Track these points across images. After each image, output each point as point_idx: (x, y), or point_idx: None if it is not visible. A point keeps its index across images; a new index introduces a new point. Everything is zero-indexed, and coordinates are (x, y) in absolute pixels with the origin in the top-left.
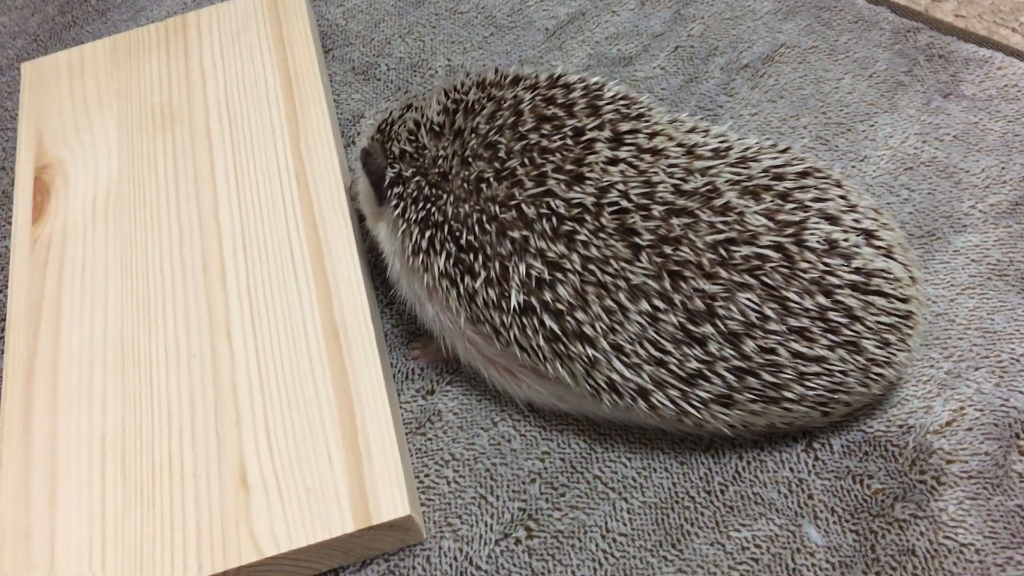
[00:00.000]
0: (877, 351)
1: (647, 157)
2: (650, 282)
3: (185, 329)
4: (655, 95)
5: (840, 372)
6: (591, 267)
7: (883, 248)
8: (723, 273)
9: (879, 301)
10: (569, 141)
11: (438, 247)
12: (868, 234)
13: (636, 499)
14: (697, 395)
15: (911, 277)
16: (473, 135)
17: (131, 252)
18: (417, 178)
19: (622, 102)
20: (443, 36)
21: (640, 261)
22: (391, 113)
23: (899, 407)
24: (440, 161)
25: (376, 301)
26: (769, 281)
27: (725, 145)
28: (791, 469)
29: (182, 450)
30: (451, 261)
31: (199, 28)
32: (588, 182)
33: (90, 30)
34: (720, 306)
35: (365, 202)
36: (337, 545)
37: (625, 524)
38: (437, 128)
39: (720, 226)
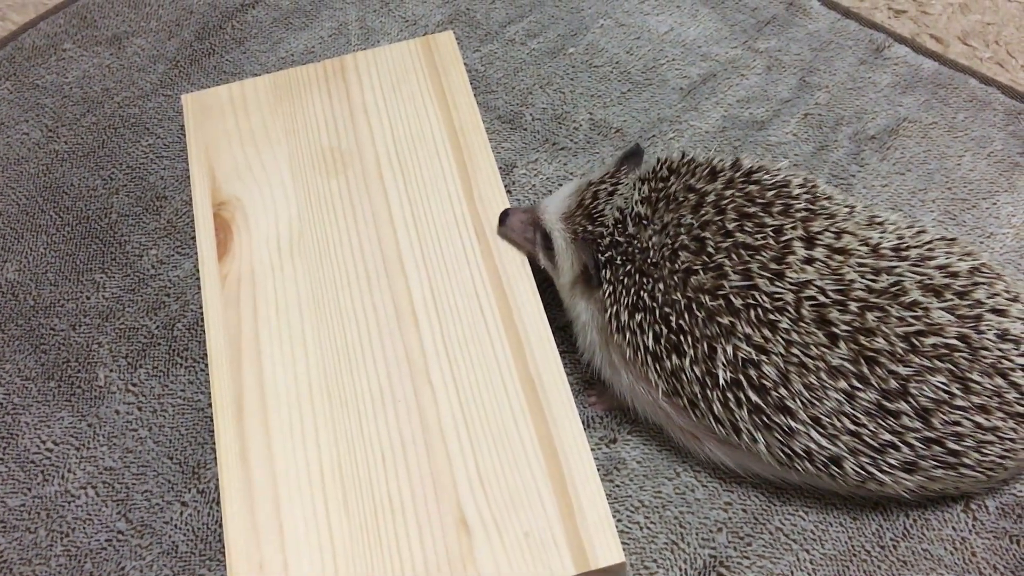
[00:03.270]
0: None
1: (837, 257)
2: (848, 365)
3: (386, 372)
4: (790, 161)
5: (1010, 440)
6: (793, 350)
7: None
8: (915, 359)
9: None
10: (771, 240)
11: (646, 328)
12: None
13: (817, 551)
14: (887, 462)
15: None
16: (681, 228)
17: (322, 292)
18: (627, 265)
19: (807, 196)
20: (582, 89)
21: (838, 348)
22: (586, 195)
23: None
24: (649, 251)
25: None
26: (954, 366)
27: (903, 244)
28: (953, 528)
29: (400, 490)
30: (660, 341)
31: (358, 72)
32: (788, 279)
33: (230, 59)
34: (913, 386)
35: (562, 275)
36: None
37: (810, 575)
38: (642, 218)
39: (910, 320)
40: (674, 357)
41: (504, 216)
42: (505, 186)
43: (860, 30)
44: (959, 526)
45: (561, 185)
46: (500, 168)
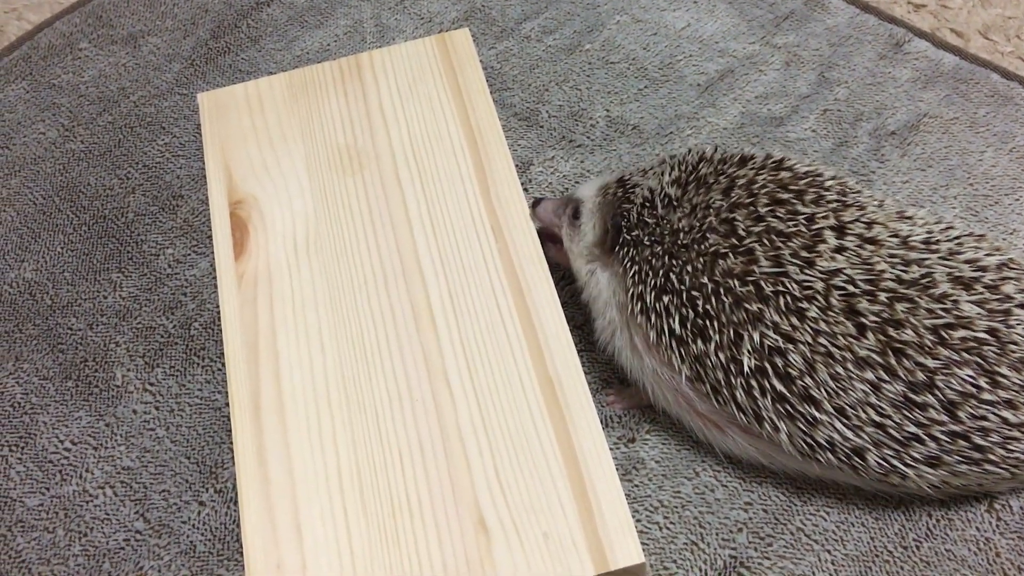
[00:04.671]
0: None
1: (868, 247)
2: (875, 356)
3: (404, 373)
4: (810, 157)
5: None
6: (821, 340)
7: None
8: (943, 351)
9: None
10: (803, 227)
11: (672, 311)
12: None
13: (839, 552)
14: (911, 455)
15: None
16: (710, 210)
17: (339, 292)
18: (656, 247)
19: (838, 188)
20: (599, 86)
21: (866, 339)
22: (621, 177)
23: None
24: (679, 233)
25: None
26: (983, 359)
27: (933, 237)
28: (977, 528)
29: (418, 491)
30: (686, 325)
31: (373, 71)
32: (818, 267)
33: (245, 57)
34: (940, 379)
35: (581, 247)
36: None
37: (831, 575)
38: (672, 199)
39: (939, 312)
40: (699, 342)
41: (538, 201)
42: (522, 184)
43: (879, 24)
44: (983, 526)
45: (578, 183)
46: (517, 166)
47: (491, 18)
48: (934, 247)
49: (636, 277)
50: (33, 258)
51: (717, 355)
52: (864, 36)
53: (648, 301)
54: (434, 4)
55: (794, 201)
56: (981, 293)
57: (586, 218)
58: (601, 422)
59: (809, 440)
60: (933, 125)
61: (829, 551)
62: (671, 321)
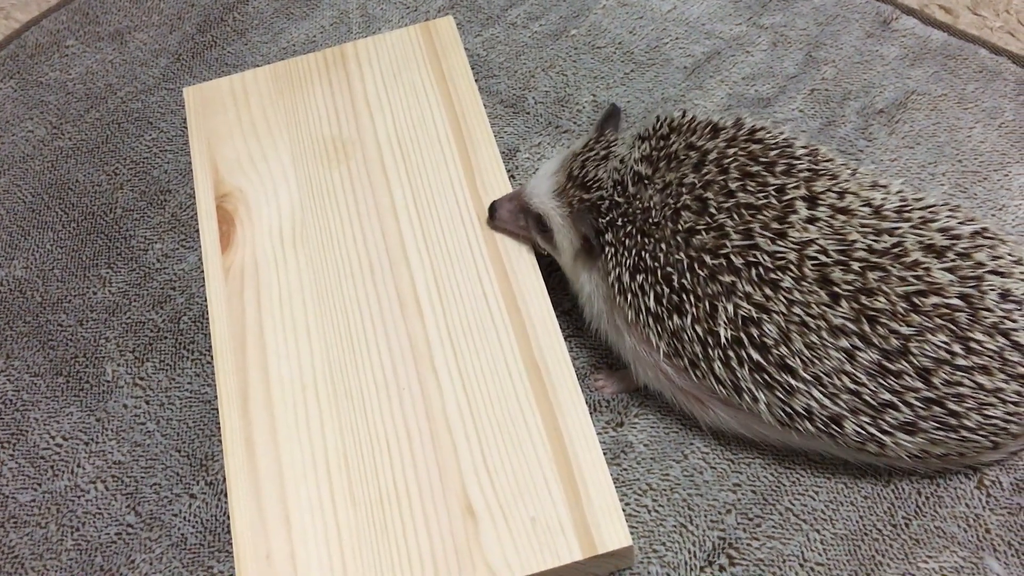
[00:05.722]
0: None
1: (840, 216)
2: (849, 324)
3: (391, 361)
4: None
5: (1013, 403)
6: (795, 309)
7: None
8: (916, 318)
9: None
10: (773, 200)
11: (647, 288)
12: None
13: (828, 531)
14: (887, 422)
15: None
16: (682, 187)
17: (325, 283)
18: (628, 226)
19: (809, 158)
20: (584, 71)
21: (840, 307)
22: (574, 166)
23: None
24: (651, 211)
25: None
26: (955, 326)
27: (906, 206)
28: (967, 504)
29: (406, 479)
30: (661, 301)
31: (358, 60)
32: (790, 238)
33: (232, 51)
34: (914, 346)
35: (563, 254)
36: (560, 572)
37: (821, 555)
38: (643, 177)
39: (911, 279)
40: (675, 317)
41: (492, 209)
42: (508, 171)
43: (867, 2)
44: (972, 503)
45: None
46: (503, 153)
47: (476, 5)
48: (906, 215)
49: (613, 260)
50: (23, 255)
51: (694, 328)
52: (851, 14)
53: (625, 281)
54: None
55: (764, 173)
56: (953, 260)
57: (559, 233)
58: (589, 407)
59: (787, 409)
60: (921, 102)
61: (818, 530)
62: (647, 299)
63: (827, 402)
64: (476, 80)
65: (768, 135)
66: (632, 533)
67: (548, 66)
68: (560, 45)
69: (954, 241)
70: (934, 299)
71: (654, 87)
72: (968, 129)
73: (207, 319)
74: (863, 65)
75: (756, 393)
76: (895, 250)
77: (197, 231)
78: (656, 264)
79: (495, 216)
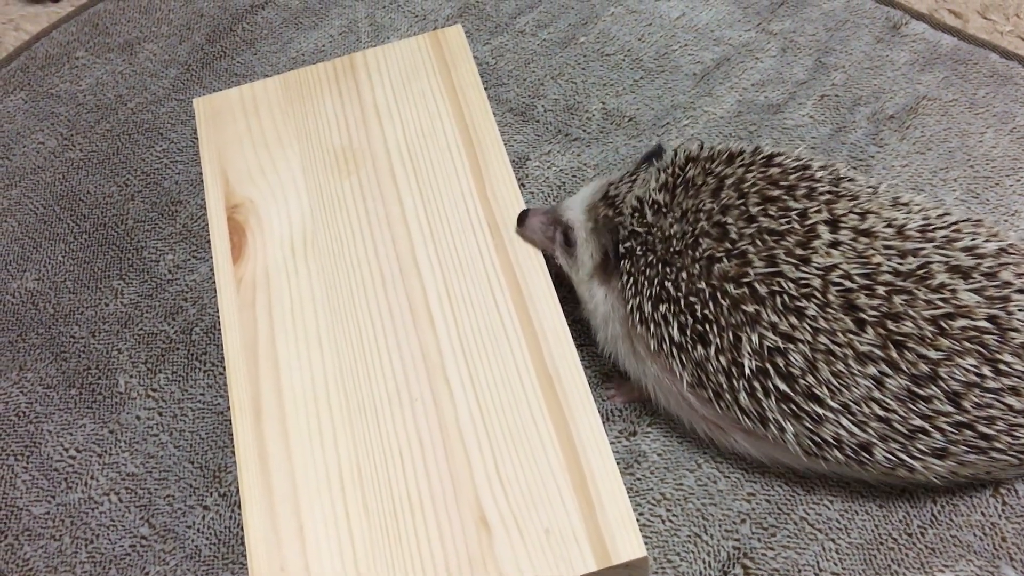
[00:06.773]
0: None
1: (863, 239)
2: (876, 351)
3: (403, 372)
4: (807, 144)
5: None
6: (820, 338)
7: None
8: (944, 342)
9: None
10: (795, 224)
11: (670, 319)
12: None
13: (843, 540)
14: (918, 448)
15: None
16: (701, 214)
17: (336, 293)
18: (649, 256)
19: (830, 179)
20: (594, 78)
21: (866, 333)
22: (609, 190)
23: None
24: (671, 240)
25: None
26: (984, 348)
27: (929, 224)
28: (982, 513)
29: (419, 489)
30: (685, 332)
31: (367, 69)
32: (814, 263)
33: (241, 61)
34: (944, 370)
35: (582, 268)
36: None
37: (836, 564)
38: (661, 206)
39: (938, 303)
40: (699, 347)
41: (523, 216)
42: (518, 179)
43: (876, 7)
44: (988, 511)
45: (575, 177)
46: (513, 161)
47: (485, 14)
48: (930, 235)
49: (633, 289)
50: (35, 267)
51: (718, 359)
52: (861, 20)
53: (646, 311)
54: (428, 1)
55: (785, 197)
56: (979, 281)
57: (581, 247)
58: (602, 416)
59: (815, 438)
60: (932, 108)
61: (833, 540)
62: (670, 329)
63: (856, 430)
64: (485, 88)
65: (787, 159)
66: (646, 543)
67: (557, 74)
68: (569, 53)
69: (979, 260)
70: (962, 322)
71: (663, 94)
72: (979, 134)
73: (219, 330)
74: (873, 70)
75: (783, 423)
76: (920, 272)
77: (208, 242)
78: (679, 294)
79: (524, 224)
